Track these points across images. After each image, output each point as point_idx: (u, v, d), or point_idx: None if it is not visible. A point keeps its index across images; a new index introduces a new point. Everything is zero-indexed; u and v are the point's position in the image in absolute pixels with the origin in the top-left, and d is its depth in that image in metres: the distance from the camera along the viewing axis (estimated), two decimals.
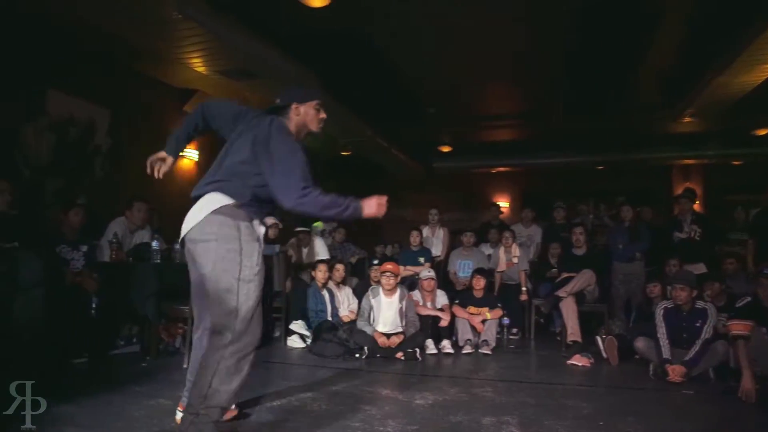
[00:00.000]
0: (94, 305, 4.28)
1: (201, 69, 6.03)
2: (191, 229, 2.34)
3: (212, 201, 2.34)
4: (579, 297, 5.52)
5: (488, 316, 5.40)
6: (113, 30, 5.24)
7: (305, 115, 2.56)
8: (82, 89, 5.79)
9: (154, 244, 4.60)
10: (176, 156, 2.73)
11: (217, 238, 2.28)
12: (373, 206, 2.43)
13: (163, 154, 2.70)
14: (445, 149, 10.75)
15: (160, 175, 2.70)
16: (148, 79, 6.65)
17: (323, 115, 2.62)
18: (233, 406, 2.65)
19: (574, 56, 6.27)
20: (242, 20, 5.15)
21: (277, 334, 5.59)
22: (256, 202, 2.39)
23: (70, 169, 5.69)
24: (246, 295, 2.25)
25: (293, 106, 2.54)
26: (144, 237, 5.04)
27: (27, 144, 5.24)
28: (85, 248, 4.56)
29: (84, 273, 4.33)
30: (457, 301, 5.58)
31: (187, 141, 2.78)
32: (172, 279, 4.24)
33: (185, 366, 3.95)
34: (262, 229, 2.49)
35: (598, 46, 6.01)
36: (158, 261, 4.52)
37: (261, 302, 2.33)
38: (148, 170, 2.68)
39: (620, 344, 4.72)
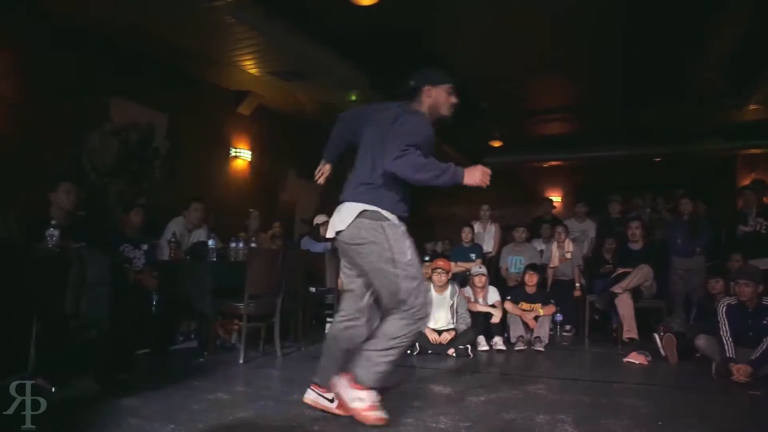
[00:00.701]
0: (154, 302, 4.46)
1: (253, 71, 6.19)
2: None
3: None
4: (635, 293, 5.36)
5: (541, 312, 5.32)
6: (169, 36, 5.45)
7: (437, 97, 2.61)
8: (142, 95, 6.06)
9: (211, 242, 4.75)
10: (333, 162, 2.89)
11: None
12: (476, 175, 2.46)
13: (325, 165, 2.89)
14: (496, 144, 10.61)
15: (322, 181, 2.91)
16: (202, 83, 6.88)
17: (454, 100, 2.64)
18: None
19: (631, 45, 6.05)
20: (293, 22, 5.25)
21: (328, 329, 5.67)
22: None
23: (132, 171, 5.96)
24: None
25: (425, 88, 2.60)
26: (201, 236, 5.22)
27: (93, 149, 5.52)
28: (145, 247, 4.75)
29: (145, 271, 4.51)
30: (509, 298, 5.51)
31: (340, 150, 2.90)
32: (228, 277, 4.38)
33: (241, 361, 4.09)
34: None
35: (657, 33, 5.78)
36: (214, 259, 4.67)
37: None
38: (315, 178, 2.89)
39: (679, 342, 4.56)
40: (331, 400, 2.70)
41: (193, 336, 4.82)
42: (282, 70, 6.15)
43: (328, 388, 2.71)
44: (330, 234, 2.66)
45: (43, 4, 4.93)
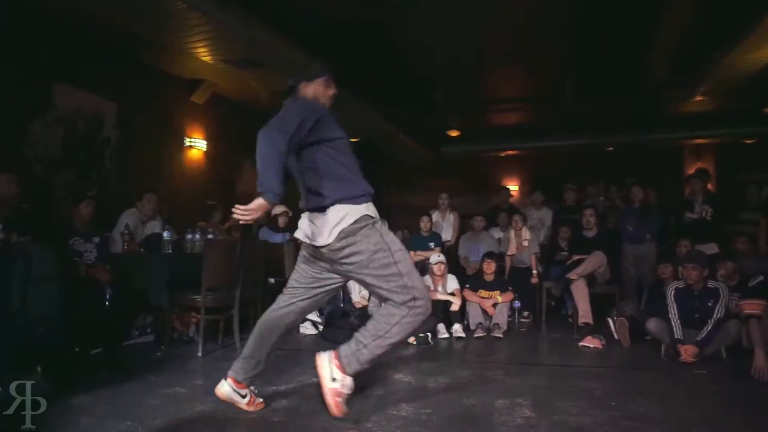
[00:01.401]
0: (108, 296, 4.33)
1: (207, 58, 6.02)
2: None
3: None
4: (590, 279, 5.50)
5: (499, 299, 5.41)
6: (117, 21, 5.24)
7: (314, 93, 2.63)
8: (88, 82, 5.81)
9: (165, 234, 4.64)
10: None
11: None
12: (252, 208, 2.30)
13: None
14: (454, 134, 10.69)
15: None
16: (154, 70, 6.66)
17: (333, 91, 2.70)
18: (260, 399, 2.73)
19: (583, 37, 6.18)
20: (247, 9, 5.13)
21: None
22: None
23: (80, 162, 5.73)
24: None
25: (301, 85, 2.63)
26: (155, 228, 5.09)
27: (36, 139, 5.27)
28: (97, 240, 4.61)
29: (97, 265, 4.38)
30: (468, 286, 5.59)
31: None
32: (185, 269, 4.28)
33: (199, 354, 4.02)
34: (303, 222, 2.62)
35: (607, 25, 5.92)
36: (169, 251, 4.56)
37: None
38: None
39: (632, 326, 4.72)
40: (244, 396, 2.67)
41: (149, 330, 4.70)
42: (236, 57, 5.99)
43: (245, 384, 2.66)
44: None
45: None
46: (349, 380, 2.51)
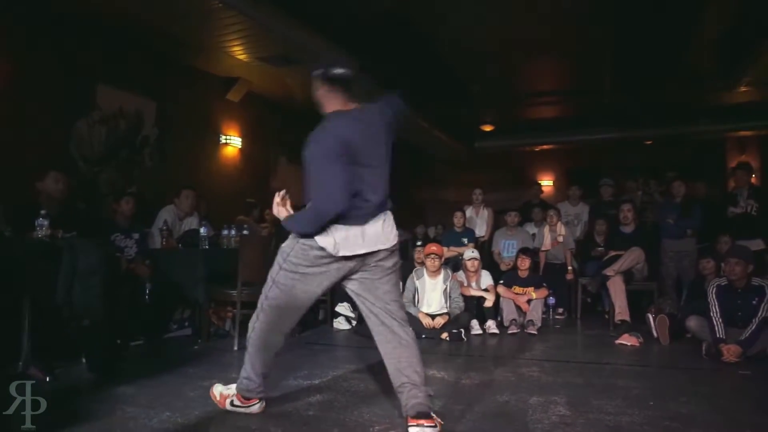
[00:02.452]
0: (147, 291, 4.45)
1: (242, 57, 6.12)
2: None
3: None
4: (627, 275, 5.39)
5: (534, 295, 5.35)
6: (156, 23, 5.37)
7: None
8: (129, 82, 5.97)
9: (202, 230, 4.73)
10: None
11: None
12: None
13: None
14: (488, 128, 10.60)
15: None
16: (191, 69, 6.79)
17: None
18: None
19: (622, 25, 6.02)
20: (281, 6, 5.18)
21: (322, 316, 5.68)
22: None
23: (121, 159, 5.90)
24: None
25: (317, 91, 2.49)
26: (192, 224, 5.19)
27: (81, 137, 5.45)
28: (137, 236, 4.73)
29: (137, 260, 4.50)
30: (501, 282, 5.54)
31: None
32: (220, 264, 4.36)
33: (235, 348, 4.10)
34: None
35: (648, 12, 5.75)
36: (206, 247, 4.65)
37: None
38: None
39: (671, 323, 4.60)
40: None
41: (187, 324, 4.82)
42: (271, 55, 6.07)
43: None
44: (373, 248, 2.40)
45: None
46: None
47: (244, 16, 5.04)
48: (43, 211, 3.32)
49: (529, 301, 5.33)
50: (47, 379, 3.09)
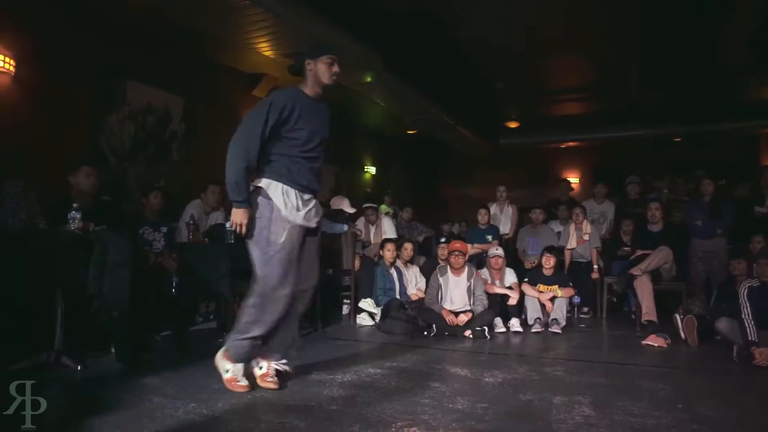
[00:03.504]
0: (174, 284, 4.52)
1: (268, 53, 6.15)
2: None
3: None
4: (655, 275, 5.30)
5: (559, 293, 5.29)
6: (184, 20, 5.43)
7: (317, 69, 2.85)
8: (157, 79, 6.07)
9: (228, 225, 4.78)
10: None
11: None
12: (239, 216, 2.73)
13: None
14: (513, 125, 10.51)
15: None
16: (218, 66, 6.87)
17: (336, 69, 2.88)
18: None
19: (649, 19, 5.90)
20: (308, 2, 5.21)
21: (345, 311, 5.71)
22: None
23: (149, 154, 6.00)
24: None
25: (306, 62, 2.87)
26: (218, 218, 5.25)
27: (111, 133, 5.56)
28: (165, 230, 4.79)
29: (164, 253, 4.57)
30: (526, 279, 5.50)
31: None
32: (246, 259, 4.39)
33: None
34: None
35: (678, 9, 5.63)
36: (232, 241, 4.69)
37: None
38: None
39: (700, 325, 4.51)
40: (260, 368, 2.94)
41: (212, 317, 4.89)
42: (296, 51, 6.11)
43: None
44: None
45: None
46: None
47: (270, 13, 5.07)
48: (75, 205, 3.40)
49: (553, 300, 5.28)
50: (78, 369, 3.17)
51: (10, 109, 4.72)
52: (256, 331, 2.78)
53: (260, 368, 2.94)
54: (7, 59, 4.64)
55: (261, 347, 2.88)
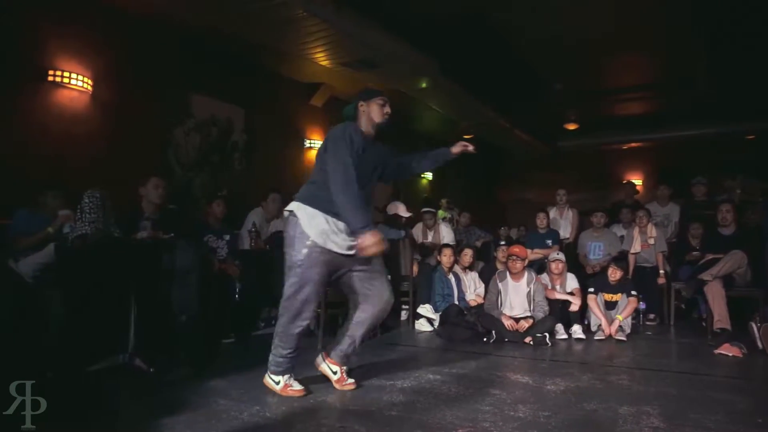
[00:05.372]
0: (237, 290, 4.66)
1: (325, 63, 6.29)
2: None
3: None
4: (727, 281, 5.04)
5: (620, 318, 4.97)
6: (243, 33, 5.63)
7: (370, 110, 3.01)
8: (220, 91, 6.32)
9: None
10: None
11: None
12: (369, 241, 2.73)
13: None
14: (571, 127, 10.27)
15: None
16: (276, 76, 7.07)
17: (388, 110, 3.04)
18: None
19: (717, 9, 5.61)
20: (363, 12, 5.29)
21: (404, 317, 5.73)
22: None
23: (213, 164, 6.23)
24: None
25: (359, 104, 3.03)
26: (279, 226, 5.36)
27: (178, 144, 5.82)
28: (228, 237, 4.95)
29: (228, 260, 4.72)
30: (591, 291, 5.25)
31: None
32: None
33: (319, 347, 4.20)
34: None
35: None
36: None
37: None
38: None
39: None
40: (335, 372, 3.04)
41: (273, 322, 4.97)
42: (353, 60, 6.21)
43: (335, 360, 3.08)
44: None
45: (128, 8, 5.22)
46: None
47: (326, 23, 5.19)
48: (145, 214, 3.57)
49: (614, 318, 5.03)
50: (150, 371, 3.32)
51: (88, 125, 5.04)
52: (287, 348, 2.94)
53: (334, 373, 3.05)
54: (86, 79, 4.96)
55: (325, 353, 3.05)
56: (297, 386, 2.93)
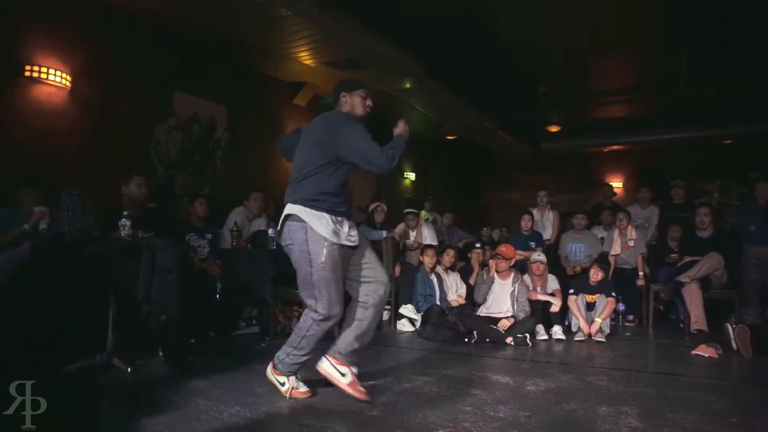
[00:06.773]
0: (218, 289, 4.62)
1: (309, 62, 6.27)
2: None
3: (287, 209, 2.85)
4: (704, 283, 5.13)
5: (599, 320, 5.02)
6: (227, 31, 5.59)
7: (353, 102, 3.00)
8: (203, 89, 6.26)
9: (270, 231, 4.87)
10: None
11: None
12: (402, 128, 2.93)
13: None
14: (554, 129, 10.36)
15: None
16: (260, 75, 7.02)
17: (369, 102, 3.04)
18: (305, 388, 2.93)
19: (699, 11, 5.68)
20: (347, 11, 5.28)
21: (386, 317, 5.73)
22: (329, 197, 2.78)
23: (195, 163, 6.17)
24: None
25: (342, 95, 3.00)
26: (261, 225, 5.35)
27: (159, 142, 5.75)
28: (209, 236, 4.90)
29: (209, 259, 4.68)
30: (572, 291, 5.30)
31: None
32: (288, 265, 4.46)
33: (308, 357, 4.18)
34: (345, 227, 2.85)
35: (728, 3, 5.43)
36: (274, 248, 4.78)
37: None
38: None
39: (754, 335, 4.33)
40: (343, 374, 2.88)
41: (254, 322, 4.97)
42: (337, 60, 6.19)
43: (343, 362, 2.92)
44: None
45: (113, 3, 5.16)
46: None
47: (310, 23, 5.17)
48: (125, 213, 3.52)
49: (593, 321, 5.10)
50: (129, 370, 3.28)
51: (66, 122, 4.96)
52: (305, 351, 2.86)
53: (343, 376, 2.89)
54: (64, 75, 4.88)
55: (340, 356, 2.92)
56: (303, 388, 2.90)
